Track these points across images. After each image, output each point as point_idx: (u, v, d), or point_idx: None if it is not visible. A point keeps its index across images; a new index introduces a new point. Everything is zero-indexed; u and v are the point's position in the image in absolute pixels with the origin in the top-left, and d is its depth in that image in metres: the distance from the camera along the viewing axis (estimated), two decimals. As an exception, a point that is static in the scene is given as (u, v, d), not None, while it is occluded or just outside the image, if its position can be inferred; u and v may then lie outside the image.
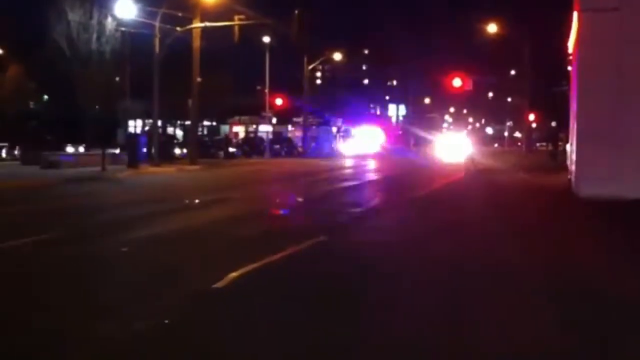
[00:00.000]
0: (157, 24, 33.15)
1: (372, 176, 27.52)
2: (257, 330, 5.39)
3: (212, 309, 6.09)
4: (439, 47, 78.09)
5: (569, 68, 25.13)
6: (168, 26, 33.63)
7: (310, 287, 6.97)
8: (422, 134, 65.78)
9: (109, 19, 36.48)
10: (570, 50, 22.47)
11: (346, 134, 61.01)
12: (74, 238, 10.31)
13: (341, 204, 16.01)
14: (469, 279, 7.29)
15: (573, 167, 18.60)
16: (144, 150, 32.34)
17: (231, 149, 50.07)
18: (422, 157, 50.24)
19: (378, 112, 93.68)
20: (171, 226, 11.54)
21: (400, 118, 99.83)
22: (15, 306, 6.25)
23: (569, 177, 20.57)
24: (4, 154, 43.07)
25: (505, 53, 55.83)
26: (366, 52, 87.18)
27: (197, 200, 16.33)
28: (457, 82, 50.41)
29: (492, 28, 46.97)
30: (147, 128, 47.53)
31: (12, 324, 5.60)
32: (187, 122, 45.75)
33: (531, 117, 61.04)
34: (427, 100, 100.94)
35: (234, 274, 7.23)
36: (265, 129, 57.45)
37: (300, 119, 60.18)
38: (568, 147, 25.23)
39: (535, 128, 68.59)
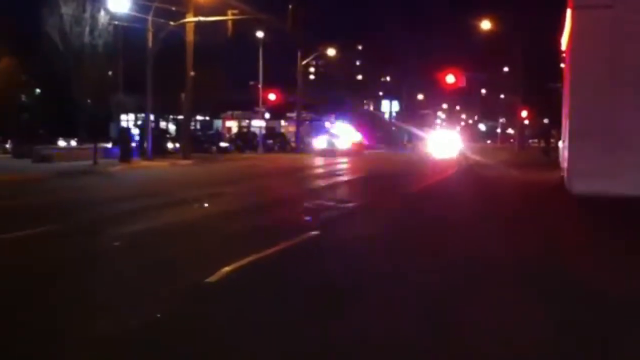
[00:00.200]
0: (150, 18, 33.04)
1: (364, 172, 27.50)
2: (249, 325, 5.38)
3: (205, 304, 6.07)
4: (433, 43, 78.27)
5: (562, 65, 25.17)
6: (161, 20, 33.53)
7: (303, 281, 6.96)
8: (415, 130, 65.84)
9: (102, 13, 36.32)
10: (563, 47, 22.51)
11: (319, 130, 55.73)
12: (64, 232, 10.27)
13: (334, 199, 16.01)
14: (459, 272, 7.30)
15: (565, 164, 18.65)
16: (137, 144, 32.26)
17: (224, 144, 50.03)
18: (416, 153, 50.26)
19: (371, 108, 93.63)
20: (163, 220, 11.51)
21: (394, 114, 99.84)
22: (3, 300, 6.23)
23: (561, 174, 20.64)
24: (-5, 148, 42.96)
25: (498, 50, 55.95)
26: (360, 48, 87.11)
27: (189, 195, 16.28)
28: (450, 79, 50.55)
29: (485, 25, 47.03)
30: (139, 122, 47.40)
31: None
32: (180, 117, 45.66)
33: (524, 113, 61.24)
34: (420, 97, 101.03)
35: (226, 269, 7.22)
36: (258, 124, 57.42)
37: (293, 114, 60.09)
38: (560, 144, 25.29)
39: (528, 125, 68.79)
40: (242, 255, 7.89)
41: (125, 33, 37.32)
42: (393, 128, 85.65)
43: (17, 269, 7.65)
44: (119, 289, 6.65)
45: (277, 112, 66.56)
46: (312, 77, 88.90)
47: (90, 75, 36.73)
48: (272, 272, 7.39)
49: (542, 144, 53.03)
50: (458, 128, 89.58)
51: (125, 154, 30.76)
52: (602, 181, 15.15)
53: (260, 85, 51.69)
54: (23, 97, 57.13)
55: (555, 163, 26.56)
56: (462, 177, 24.65)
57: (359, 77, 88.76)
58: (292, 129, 60.40)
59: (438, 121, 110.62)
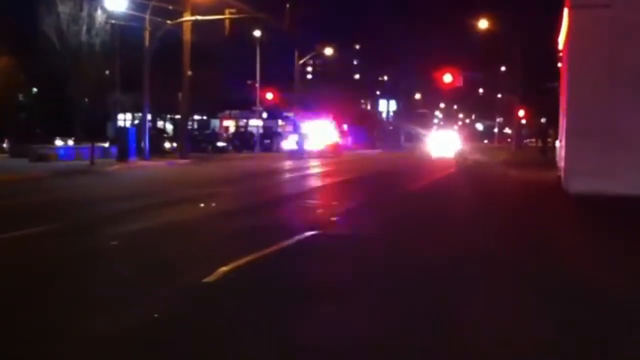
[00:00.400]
0: (147, 16, 32.99)
1: (362, 172, 27.49)
2: (246, 325, 5.36)
3: (202, 304, 6.05)
4: (430, 43, 78.05)
5: (559, 65, 25.18)
6: (159, 19, 33.47)
7: (301, 281, 6.96)
8: (413, 130, 65.73)
9: (99, 12, 36.18)
10: (560, 46, 22.52)
11: (295, 129, 50.90)
12: (62, 232, 10.25)
13: (331, 198, 16.00)
14: (457, 270, 7.31)
15: (562, 164, 18.67)
16: (134, 144, 32.23)
17: (221, 144, 49.94)
18: (412, 153, 50.05)
19: (369, 107, 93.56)
20: (161, 220, 11.49)
21: (391, 113, 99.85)
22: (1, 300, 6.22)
23: (558, 173, 20.65)
24: (-8, 147, 42.86)
25: (495, 49, 55.95)
26: (357, 47, 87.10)
27: (186, 195, 16.28)
28: (447, 78, 50.56)
29: (483, 24, 47.02)
30: (137, 122, 47.32)
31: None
32: (178, 116, 45.57)
33: (521, 113, 61.26)
34: (418, 96, 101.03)
35: (224, 268, 7.20)
36: (255, 124, 57.33)
37: (291, 114, 60.03)
38: (558, 143, 25.29)
39: (525, 124, 68.84)
40: (239, 255, 7.88)
41: (123, 32, 37.23)
42: (390, 128, 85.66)
43: (15, 269, 7.64)
44: (117, 289, 6.63)
45: (275, 111, 66.49)
46: (309, 76, 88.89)
47: (88, 74, 36.56)
48: (270, 272, 7.38)
49: (539, 144, 53.07)
50: (455, 127, 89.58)
51: (123, 154, 30.72)
52: (599, 180, 15.16)
53: (257, 85, 51.62)
54: (20, 97, 57.01)
55: (552, 162, 26.58)
56: (460, 177, 24.64)
57: (357, 76, 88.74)
58: (289, 128, 60.28)
59: (435, 121, 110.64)
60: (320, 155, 39.09)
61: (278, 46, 52.79)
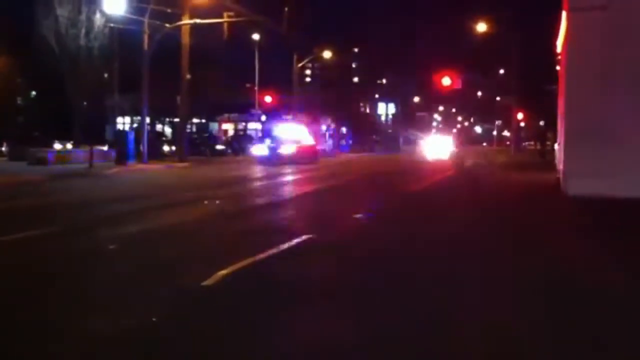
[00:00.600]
0: (146, 20, 33.02)
1: (361, 174, 27.49)
2: (245, 330, 5.36)
3: (200, 308, 6.04)
4: (429, 45, 78.20)
5: (557, 67, 25.22)
6: (157, 22, 33.50)
7: (299, 285, 6.95)
8: (411, 134, 65.63)
9: (98, 15, 36.24)
10: (558, 49, 22.55)
11: (267, 134, 44.80)
12: (61, 234, 10.26)
13: (329, 202, 15.99)
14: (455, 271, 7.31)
15: (561, 166, 18.68)
16: (132, 147, 32.24)
17: (219, 147, 49.88)
18: (408, 156, 49.91)
19: (367, 111, 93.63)
20: (159, 223, 11.49)
21: (390, 116, 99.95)
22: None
23: (557, 176, 20.66)
24: (-9, 150, 42.85)
25: (494, 52, 56.08)
26: (356, 50, 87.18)
27: (184, 198, 16.28)
28: (446, 81, 50.62)
29: (481, 27, 47.11)
30: (135, 125, 47.39)
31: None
32: (176, 119, 45.59)
33: (520, 116, 61.37)
34: (416, 99, 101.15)
35: (222, 272, 7.20)
36: (254, 127, 57.34)
37: (289, 117, 60.05)
38: (556, 146, 25.33)
39: (524, 127, 68.93)
40: (238, 258, 7.88)
41: (121, 35, 37.29)
42: (389, 131, 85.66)
43: (15, 270, 7.64)
44: (115, 292, 6.63)
45: (274, 114, 66.42)
46: (308, 79, 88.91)
47: (86, 77, 36.65)
48: (268, 276, 7.36)
49: (538, 146, 53.11)
50: (454, 130, 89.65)
51: (121, 157, 30.72)
52: (598, 182, 15.16)
53: (256, 88, 51.63)
54: (19, 100, 57.01)
55: (551, 165, 26.60)
56: (459, 180, 24.62)
57: (355, 79, 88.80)
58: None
59: (434, 124, 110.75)
60: (294, 161, 33.92)
61: (277, 49, 52.84)
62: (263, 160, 34.22)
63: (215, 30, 35.80)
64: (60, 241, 9.68)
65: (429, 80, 60.72)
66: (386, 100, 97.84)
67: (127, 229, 10.71)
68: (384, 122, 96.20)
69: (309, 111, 57.76)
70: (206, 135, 57.65)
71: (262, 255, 8.21)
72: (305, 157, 35.23)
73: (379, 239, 10.05)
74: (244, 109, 62.76)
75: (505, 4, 49.05)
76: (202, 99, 46.33)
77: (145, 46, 33.39)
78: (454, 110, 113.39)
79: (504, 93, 64.12)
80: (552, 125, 34.85)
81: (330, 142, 60.20)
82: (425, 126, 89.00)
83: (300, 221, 12.48)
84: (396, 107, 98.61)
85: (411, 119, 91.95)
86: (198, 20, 34.39)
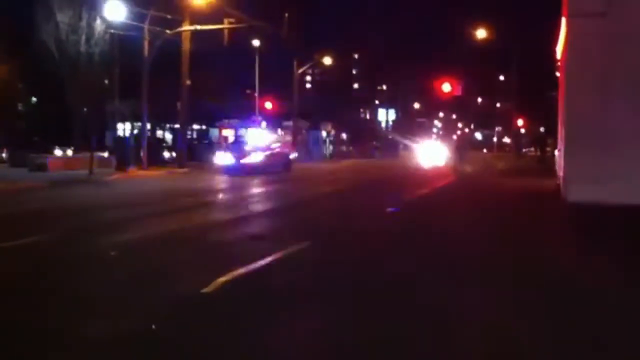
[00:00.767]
0: (146, 26, 33.07)
1: (363, 180, 27.47)
2: (244, 337, 5.34)
3: (200, 315, 6.03)
4: (429, 52, 78.23)
5: (557, 74, 25.24)
6: (158, 28, 33.55)
7: (298, 292, 6.94)
8: (409, 140, 65.21)
9: (98, 21, 36.29)
10: (558, 55, 22.57)
11: (238, 142, 41.22)
12: (62, 241, 10.25)
13: (327, 210, 15.96)
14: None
15: (561, 173, 18.66)
16: (133, 153, 32.23)
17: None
18: (405, 162, 49.35)
19: (368, 117, 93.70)
20: (159, 230, 11.48)
21: (390, 123, 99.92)
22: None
23: (557, 182, 20.64)
24: (-9, 156, 42.86)
25: (494, 58, 56.15)
26: (356, 56, 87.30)
27: (185, 204, 16.28)
28: (446, 87, 50.68)
29: (481, 34, 47.18)
30: (135, 131, 47.43)
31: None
32: (177, 126, 45.60)
33: (520, 122, 61.40)
34: (417, 105, 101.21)
35: (222, 279, 7.19)
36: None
37: (290, 123, 60.04)
38: (557, 152, 25.31)
39: (524, 133, 68.96)
40: (237, 265, 7.88)
41: (122, 41, 37.33)
42: (390, 137, 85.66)
43: (14, 277, 7.63)
44: (115, 299, 6.62)
45: (275, 120, 66.50)
46: (308, 85, 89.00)
47: (86, 83, 36.69)
48: (267, 283, 7.36)
49: (538, 153, 53.08)
50: (454, 137, 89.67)
51: (122, 163, 30.72)
52: (597, 189, 15.13)
53: (256, 94, 51.66)
54: (20, 106, 57.03)
55: (551, 171, 26.58)
56: (459, 186, 24.57)
57: (356, 85, 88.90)
58: (288, 137, 60.25)
59: (435, 130, 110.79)
60: (258, 171, 29.76)
61: (277, 55, 52.89)
62: (228, 170, 30.43)
63: (216, 36, 35.85)
64: (61, 248, 9.67)
65: (429, 87, 60.81)
66: (386, 106, 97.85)
67: (127, 236, 10.70)
68: (384, 128, 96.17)
69: (309, 117, 57.79)
70: (206, 142, 57.64)
71: (266, 260, 8.22)
72: (274, 167, 31.28)
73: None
74: (244, 115, 62.82)
75: (505, 10, 49.17)
76: (203, 105, 46.34)
77: (146, 52, 33.43)
78: (454, 116, 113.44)
79: (504, 99, 64.17)
80: (552, 131, 34.86)
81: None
82: (425, 132, 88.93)
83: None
84: (396, 113, 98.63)
85: (411, 125, 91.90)
86: (198, 27, 34.44)
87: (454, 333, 5.44)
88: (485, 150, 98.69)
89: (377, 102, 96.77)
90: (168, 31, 33.73)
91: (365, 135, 73.91)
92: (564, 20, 17.82)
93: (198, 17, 34.53)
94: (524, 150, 69.88)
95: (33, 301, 6.52)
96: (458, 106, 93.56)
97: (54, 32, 36.30)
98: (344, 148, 66.57)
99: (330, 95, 71.01)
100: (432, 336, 5.37)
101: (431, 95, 67.22)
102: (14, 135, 47.97)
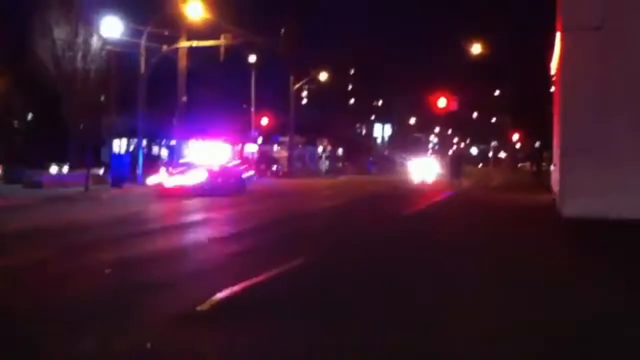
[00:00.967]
0: (142, 42, 33.15)
1: (363, 194, 27.44)
2: (241, 357, 5.30)
3: (195, 334, 5.96)
4: (425, 67, 78.62)
5: (552, 89, 25.33)
6: (154, 45, 33.63)
7: (296, 310, 6.88)
8: (405, 156, 65.07)
9: (95, 38, 36.41)
10: (553, 70, 22.66)
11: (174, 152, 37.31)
12: (56, 258, 10.19)
13: (325, 225, 15.92)
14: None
15: (557, 188, 18.67)
16: (128, 169, 32.16)
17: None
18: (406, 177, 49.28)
19: (364, 132, 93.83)
20: (154, 247, 11.44)
21: (386, 138, 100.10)
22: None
23: (553, 197, 20.65)
24: (-15, 173, 42.64)
25: (489, 73, 56.40)
26: (352, 72, 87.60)
27: (180, 221, 16.23)
28: (442, 102, 50.80)
29: (476, 49, 47.38)
30: (131, 147, 47.44)
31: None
32: (173, 142, 45.59)
33: (515, 137, 61.59)
34: (412, 121, 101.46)
35: (218, 296, 7.14)
36: (251, 149, 57.32)
37: (286, 139, 60.12)
38: (552, 167, 25.31)
39: (520, 148, 69.15)
40: (233, 282, 7.83)
41: (118, 57, 37.40)
42: (386, 152, 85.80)
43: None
44: (109, 316, 6.56)
45: (272, 136, 66.61)
46: (305, 100, 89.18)
47: (83, 100, 36.74)
48: (264, 300, 7.30)
49: (534, 167, 53.21)
50: (450, 152, 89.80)
51: (117, 180, 30.64)
52: (593, 204, 15.14)
53: (252, 109, 51.74)
54: (15, 123, 56.96)
55: (546, 186, 26.60)
56: (455, 201, 24.54)
57: (351, 101, 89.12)
58: (285, 153, 60.28)
59: (430, 145, 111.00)
60: (199, 192, 24.73)
61: (273, 71, 53.05)
62: (164, 192, 25.43)
63: (212, 52, 35.95)
64: (57, 265, 9.60)
65: (425, 102, 60.96)
66: (382, 121, 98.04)
67: (122, 253, 10.63)
68: (380, 143, 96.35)
69: (305, 132, 57.89)
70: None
71: (263, 276, 8.18)
72: (221, 188, 25.85)
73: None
74: (240, 131, 62.86)
75: (500, 25, 49.40)
76: (199, 120, 46.35)
77: (142, 69, 33.48)
78: (449, 131, 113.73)
79: (500, 114, 64.42)
80: (547, 146, 34.94)
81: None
82: (421, 147, 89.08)
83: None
84: (392, 128, 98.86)
85: (407, 141, 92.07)
86: (195, 43, 34.53)
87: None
88: (481, 165, 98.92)
89: (373, 117, 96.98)
90: (165, 47, 33.81)
91: (362, 151, 74.04)
92: (558, 35, 17.91)
93: (195, 32, 34.63)
94: (520, 164, 70.13)
95: (35, 313, 6.46)
96: (454, 121, 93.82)
97: (51, 48, 36.39)
98: (340, 164, 66.62)
99: (326, 111, 71.20)
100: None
101: (427, 110, 67.35)
102: (10, 151, 47.84)
